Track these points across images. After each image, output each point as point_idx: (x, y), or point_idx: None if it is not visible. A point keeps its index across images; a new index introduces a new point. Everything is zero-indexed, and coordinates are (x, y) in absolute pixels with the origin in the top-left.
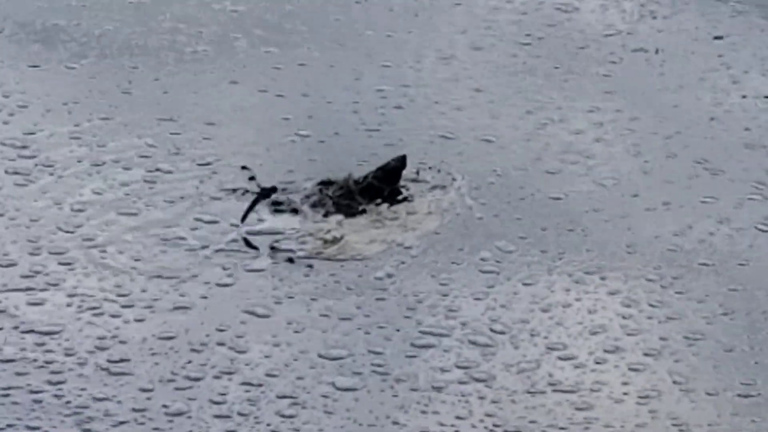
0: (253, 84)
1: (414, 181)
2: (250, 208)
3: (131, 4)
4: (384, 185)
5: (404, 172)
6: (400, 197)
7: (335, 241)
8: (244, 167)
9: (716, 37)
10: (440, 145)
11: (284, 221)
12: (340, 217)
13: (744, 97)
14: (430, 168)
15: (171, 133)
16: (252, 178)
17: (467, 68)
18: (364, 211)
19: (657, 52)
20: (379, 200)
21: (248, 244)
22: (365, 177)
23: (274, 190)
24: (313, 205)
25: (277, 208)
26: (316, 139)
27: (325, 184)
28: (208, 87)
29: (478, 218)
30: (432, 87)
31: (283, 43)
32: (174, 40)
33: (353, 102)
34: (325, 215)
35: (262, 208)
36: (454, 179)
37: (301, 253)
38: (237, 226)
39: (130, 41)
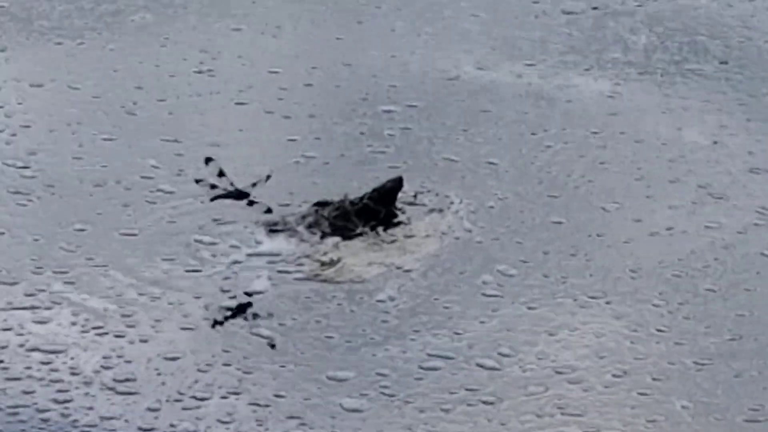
0: (259, 105)
1: (411, 204)
2: (222, 196)
3: (133, 22)
4: (380, 207)
5: (401, 195)
6: (396, 220)
7: (332, 263)
8: (208, 159)
9: (722, 62)
10: (443, 168)
11: (280, 243)
12: (336, 239)
13: (749, 120)
14: (428, 191)
15: (175, 154)
16: (221, 174)
17: (473, 89)
18: (360, 234)
19: (662, 75)
20: (374, 222)
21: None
22: (361, 198)
23: (246, 195)
24: (309, 226)
25: (273, 228)
26: (321, 160)
27: (321, 204)
28: (213, 108)
29: (478, 242)
30: (438, 108)
31: (286, 63)
32: (177, 60)
33: (360, 123)
34: (322, 237)
35: (258, 230)
36: (451, 202)
37: (299, 275)
38: (238, 246)
39: (133, 61)
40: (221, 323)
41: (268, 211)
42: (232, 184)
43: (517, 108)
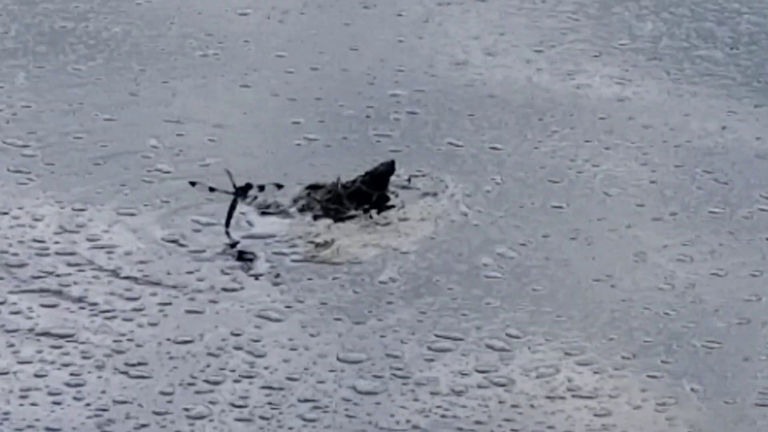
0: (265, 87)
1: (404, 187)
2: (231, 212)
3: (139, 6)
4: (372, 190)
5: (395, 179)
6: (388, 203)
7: (327, 244)
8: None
9: (731, 48)
10: (445, 152)
11: (273, 225)
12: (328, 221)
13: (757, 106)
14: (423, 175)
15: (176, 135)
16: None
17: (481, 74)
18: (352, 217)
19: (670, 61)
20: (367, 205)
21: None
22: (353, 181)
23: (249, 187)
24: (301, 209)
25: (264, 210)
26: (323, 143)
27: (314, 187)
28: (218, 90)
29: (474, 225)
30: (446, 93)
31: (294, 47)
32: (183, 44)
33: (366, 107)
34: (313, 219)
35: (250, 211)
36: (446, 186)
37: (296, 257)
38: (227, 232)
39: (138, 45)
40: (227, 307)
41: (211, 190)
42: (234, 185)
43: (525, 93)
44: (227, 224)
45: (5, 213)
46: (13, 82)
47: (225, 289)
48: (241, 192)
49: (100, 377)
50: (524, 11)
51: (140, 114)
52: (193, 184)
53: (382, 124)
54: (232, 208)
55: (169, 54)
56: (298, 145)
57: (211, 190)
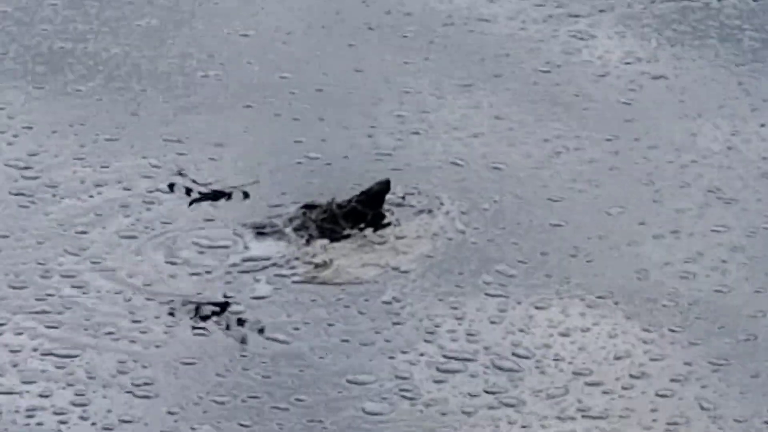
0: (268, 108)
1: (399, 205)
2: (195, 201)
3: (139, 27)
4: (367, 209)
5: (390, 197)
6: (384, 221)
7: (326, 265)
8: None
9: (737, 65)
10: (446, 171)
11: (269, 246)
12: (324, 241)
13: (763, 125)
14: (418, 193)
15: (177, 154)
16: (181, 174)
17: (487, 96)
18: (348, 236)
19: (676, 79)
20: (362, 225)
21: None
22: (348, 201)
23: (225, 194)
24: (296, 229)
25: (260, 231)
26: (323, 161)
27: (309, 207)
28: (219, 110)
29: (472, 243)
30: (451, 114)
31: (297, 68)
32: (184, 64)
33: (370, 126)
34: (309, 239)
35: (246, 233)
36: (442, 203)
37: (296, 279)
38: (231, 248)
39: (139, 65)
40: (235, 329)
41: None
42: (206, 186)
43: (533, 114)
44: (189, 205)
45: (7, 236)
46: (12, 104)
47: (231, 312)
48: (217, 195)
49: (105, 396)
50: (528, 33)
51: (141, 134)
52: (181, 173)
53: (384, 144)
54: (198, 200)
55: (169, 74)
56: (299, 163)
57: (194, 184)
